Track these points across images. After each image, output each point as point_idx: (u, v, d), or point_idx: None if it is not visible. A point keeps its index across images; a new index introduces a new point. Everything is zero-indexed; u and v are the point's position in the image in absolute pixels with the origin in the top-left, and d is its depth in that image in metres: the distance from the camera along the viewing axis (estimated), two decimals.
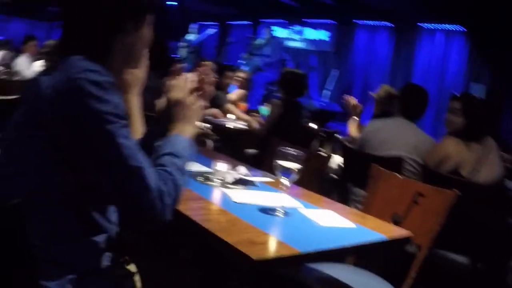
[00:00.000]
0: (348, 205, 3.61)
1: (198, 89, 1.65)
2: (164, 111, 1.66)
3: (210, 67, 1.70)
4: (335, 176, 4.56)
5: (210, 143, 5.51)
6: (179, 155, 1.49)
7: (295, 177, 1.98)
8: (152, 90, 3.62)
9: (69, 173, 1.35)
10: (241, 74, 6.47)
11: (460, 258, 3.00)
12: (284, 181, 1.99)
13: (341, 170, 4.17)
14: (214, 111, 5.79)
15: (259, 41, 12.68)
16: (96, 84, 1.29)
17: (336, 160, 4.43)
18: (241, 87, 6.96)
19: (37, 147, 1.34)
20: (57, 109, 1.30)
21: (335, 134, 5.91)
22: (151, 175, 1.34)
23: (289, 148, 1.99)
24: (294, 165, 1.96)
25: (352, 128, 4.99)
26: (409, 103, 3.82)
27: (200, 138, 5.69)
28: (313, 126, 6.07)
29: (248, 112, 6.39)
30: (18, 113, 1.40)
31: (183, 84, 1.63)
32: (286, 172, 1.98)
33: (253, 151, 5.44)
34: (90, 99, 1.28)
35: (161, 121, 1.67)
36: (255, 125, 5.15)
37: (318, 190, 2.92)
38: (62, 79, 1.30)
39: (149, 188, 1.32)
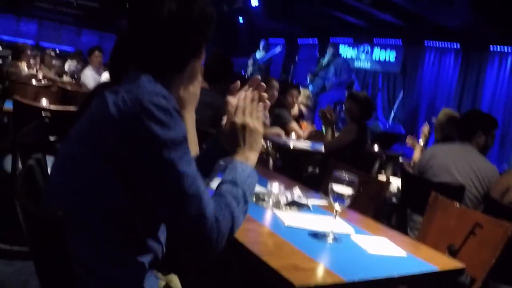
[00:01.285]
0: (407, 231, 3.56)
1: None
2: (227, 133, 1.59)
3: (258, 81, 1.62)
4: (395, 201, 4.49)
5: (271, 162, 5.52)
6: (240, 184, 1.45)
7: (347, 203, 1.96)
8: (212, 106, 3.69)
9: (123, 194, 1.33)
10: (295, 93, 6.44)
11: None
12: (337, 206, 1.97)
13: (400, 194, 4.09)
14: (277, 130, 5.78)
15: (324, 60, 12.59)
16: (163, 109, 1.27)
17: (397, 184, 4.35)
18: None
19: (92, 164, 1.31)
20: (121, 129, 1.27)
21: (399, 157, 5.81)
22: (209, 203, 1.33)
23: (344, 172, 1.96)
24: (347, 191, 1.93)
25: (417, 152, 4.90)
26: (467, 128, 3.69)
27: (261, 157, 5.72)
28: (376, 148, 6.01)
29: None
30: (80, 126, 1.37)
31: (246, 106, 1.57)
32: (339, 197, 1.95)
33: (314, 171, 5.42)
34: (156, 124, 1.26)
35: (220, 141, 1.63)
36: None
37: (376, 214, 2.88)
38: (129, 100, 1.27)
39: (206, 216, 1.30)
